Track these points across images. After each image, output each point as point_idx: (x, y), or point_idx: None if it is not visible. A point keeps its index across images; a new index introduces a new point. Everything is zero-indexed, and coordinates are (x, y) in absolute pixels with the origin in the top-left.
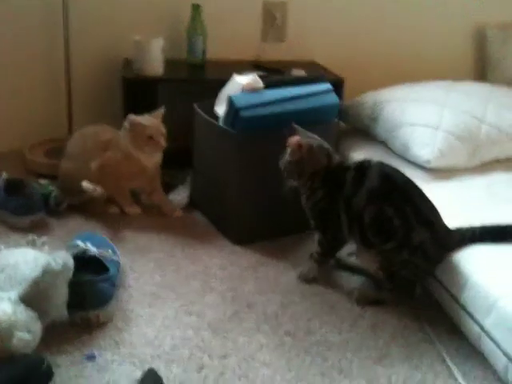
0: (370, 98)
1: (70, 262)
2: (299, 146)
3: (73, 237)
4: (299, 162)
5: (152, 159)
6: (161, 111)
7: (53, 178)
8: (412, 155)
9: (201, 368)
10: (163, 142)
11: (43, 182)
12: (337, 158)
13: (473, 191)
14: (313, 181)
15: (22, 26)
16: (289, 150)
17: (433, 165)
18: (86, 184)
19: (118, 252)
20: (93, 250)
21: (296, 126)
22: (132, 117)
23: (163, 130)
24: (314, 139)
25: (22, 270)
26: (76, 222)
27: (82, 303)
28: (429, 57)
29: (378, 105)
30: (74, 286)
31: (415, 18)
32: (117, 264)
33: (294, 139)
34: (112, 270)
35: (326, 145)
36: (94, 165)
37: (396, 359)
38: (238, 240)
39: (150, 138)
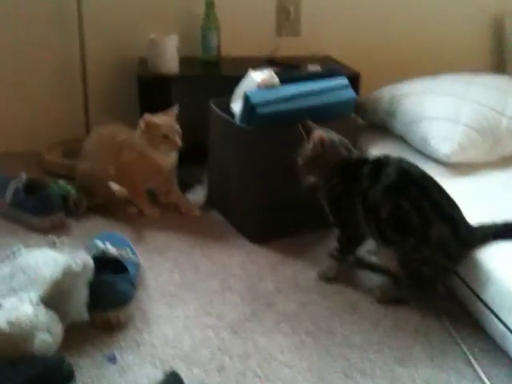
0: (386, 92)
1: (90, 263)
2: (321, 140)
3: (92, 237)
4: (320, 157)
5: (168, 159)
6: (174, 110)
7: (71, 178)
8: (431, 150)
9: (221, 369)
10: (179, 141)
11: (62, 182)
12: (355, 152)
13: (493, 186)
14: (332, 175)
15: (37, 27)
16: (310, 146)
17: (452, 159)
18: (113, 185)
19: (137, 252)
20: (112, 250)
21: (309, 122)
22: (147, 116)
23: (178, 128)
24: (331, 134)
25: (43, 271)
26: (95, 223)
27: (102, 304)
28: (447, 49)
29: (395, 99)
30: (94, 287)
31: (431, 10)
32: (136, 264)
33: (317, 134)
34: (131, 271)
35: (343, 139)
36: (112, 167)
37: (419, 359)
38: (256, 238)
39: (166, 137)
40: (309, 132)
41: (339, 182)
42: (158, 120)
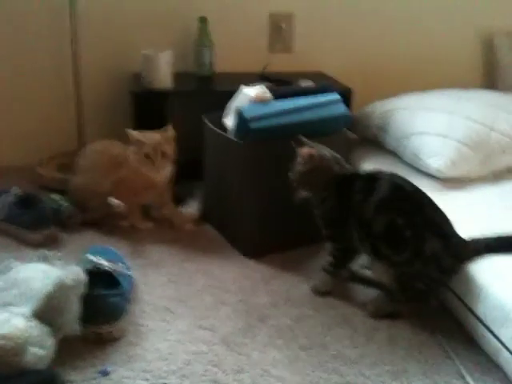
0: (378, 107)
1: (82, 277)
2: (311, 156)
3: (85, 251)
4: (311, 172)
5: (161, 174)
6: (169, 130)
7: (64, 192)
8: (423, 165)
9: (214, 383)
10: (159, 163)
11: (55, 196)
12: (348, 167)
13: (486, 201)
14: (325, 190)
15: (31, 41)
16: (300, 161)
17: (444, 174)
18: (111, 200)
19: (130, 266)
20: (105, 264)
21: (303, 137)
22: (131, 132)
23: (167, 149)
24: (323, 149)
25: (35, 286)
26: (88, 237)
27: (95, 318)
28: (437, 65)
29: (387, 114)
30: (87, 301)
31: (422, 27)
32: (129, 278)
33: (305, 150)
34: (124, 285)
35: (336, 154)
36: (107, 182)
37: (413, 375)
38: (249, 253)
39: (147, 156)
40: (302, 147)
41: (332, 196)
42: (143, 138)
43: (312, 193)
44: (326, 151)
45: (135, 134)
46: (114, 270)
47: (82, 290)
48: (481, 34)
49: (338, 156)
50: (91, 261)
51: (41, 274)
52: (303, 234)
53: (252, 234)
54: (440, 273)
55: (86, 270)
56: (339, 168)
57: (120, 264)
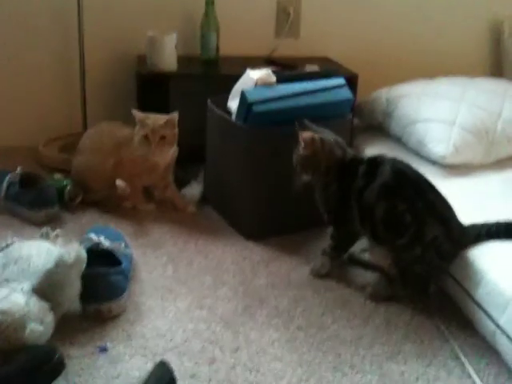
0: (384, 94)
1: (83, 255)
2: (312, 140)
3: (87, 230)
4: (313, 156)
5: (164, 156)
6: (174, 115)
7: (67, 172)
8: (427, 151)
9: (212, 361)
10: (155, 146)
11: (57, 176)
12: (350, 152)
13: (488, 188)
14: (327, 175)
15: (36, 23)
16: (302, 145)
17: (448, 161)
18: (119, 182)
19: (131, 246)
20: (106, 243)
21: (306, 121)
22: (136, 112)
23: (164, 132)
24: (326, 133)
25: (35, 262)
26: (90, 217)
27: (95, 295)
28: (444, 52)
29: (392, 101)
30: (87, 279)
31: (430, 13)
32: (129, 257)
33: (307, 134)
34: (125, 264)
35: (338, 139)
36: (109, 162)
37: (409, 356)
38: (250, 235)
39: (145, 137)
40: (304, 131)
41: (334, 181)
42: (145, 119)
43: (314, 177)
44: (329, 135)
45: (139, 114)
46: (115, 249)
47: (82, 267)
48: (488, 22)
49: (341, 140)
50: (92, 239)
51: (42, 251)
52: (304, 218)
53: (253, 216)
54: (440, 258)
55: (87, 248)
56: (341, 152)
57: (121, 243)
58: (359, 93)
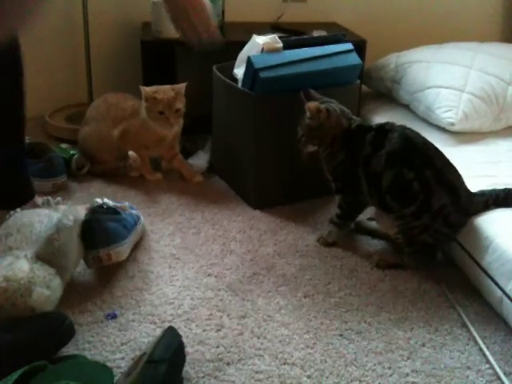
0: (393, 59)
1: (81, 215)
2: (318, 110)
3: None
4: (319, 126)
5: (177, 128)
6: (182, 85)
7: (74, 142)
8: (436, 118)
9: (220, 328)
10: (173, 120)
11: (64, 146)
12: (356, 119)
13: (497, 155)
14: (333, 144)
15: None
16: (308, 115)
17: (457, 127)
18: (131, 153)
19: (136, 209)
20: (110, 202)
21: (311, 90)
22: (145, 89)
23: (180, 105)
24: (331, 103)
25: (37, 229)
26: (97, 186)
27: (93, 242)
28: (455, 16)
29: (401, 67)
30: (84, 226)
31: None
32: (135, 217)
33: (313, 104)
34: (126, 216)
35: (344, 108)
36: (115, 132)
37: (415, 323)
38: (257, 204)
39: (161, 113)
40: (309, 101)
41: (341, 149)
42: (156, 95)
43: (320, 147)
44: (335, 105)
45: (149, 90)
46: (119, 208)
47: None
48: None
49: (347, 110)
50: (96, 201)
51: (42, 218)
52: (311, 186)
53: (260, 185)
54: (447, 226)
55: (92, 208)
56: (347, 122)
57: (126, 205)
58: (367, 59)
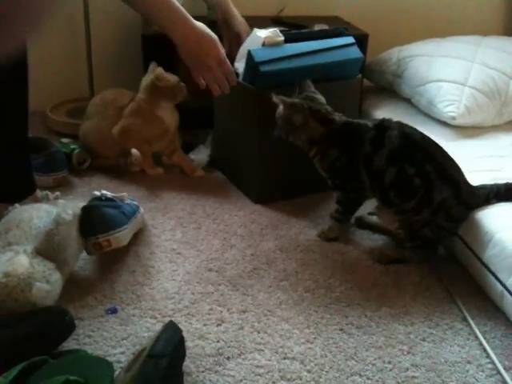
0: (394, 53)
1: (79, 208)
2: (301, 108)
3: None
4: (286, 119)
5: (173, 117)
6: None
7: (75, 137)
8: (437, 112)
9: (220, 322)
10: (180, 95)
11: (66, 140)
12: (340, 117)
13: (499, 149)
14: (319, 144)
15: None
16: (282, 114)
17: (458, 122)
18: (134, 151)
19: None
20: (109, 193)
21: (308, 81)
22: (160, 70)
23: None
24: (317, 99)
25: (36, 224)
26: (99, 181)
27: (91, 228)
28: (457, 10)
29: (403, 61)
30: (83, 214)
31: None
32: (133, 206)
33: (294, 103)
34: (124, 205)
35: (325, 107)
36: (115, 130)
37: (416, 317)
38: (258, 199)
39: (172, 91)
40: (301, 93)
41: (332, 146)
42: (167, 76)
43: (305, 148)
44: (315, 103)
45: (163, 72)
46: (118, 199)
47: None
48: None
49: (329, 107)
50: (95, 194)
51: (41, 213)
52: (312, 181)
53: (261, 180)
54: (449, 221)
55: (90, 200)
56: (333, 119)
57: (125, 196)
58: (369, 53)
